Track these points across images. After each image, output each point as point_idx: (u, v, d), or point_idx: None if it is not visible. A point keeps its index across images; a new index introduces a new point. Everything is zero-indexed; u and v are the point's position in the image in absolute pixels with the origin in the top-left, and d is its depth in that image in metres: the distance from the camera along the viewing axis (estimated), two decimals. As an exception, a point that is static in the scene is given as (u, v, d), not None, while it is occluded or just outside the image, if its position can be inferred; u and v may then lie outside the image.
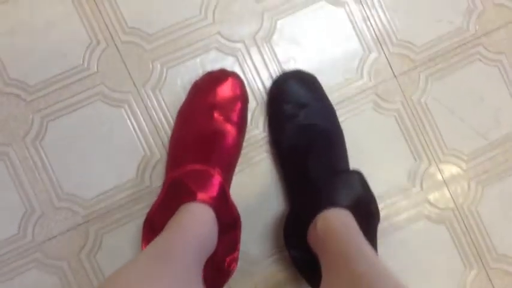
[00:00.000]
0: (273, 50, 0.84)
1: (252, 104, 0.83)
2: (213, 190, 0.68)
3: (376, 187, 0.76)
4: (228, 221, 0.69)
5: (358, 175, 0.72)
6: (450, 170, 0.87)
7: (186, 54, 0.82)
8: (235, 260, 0.70)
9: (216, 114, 0.75)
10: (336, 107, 0.82)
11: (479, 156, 0.88)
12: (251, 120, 0.83)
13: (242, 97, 0.78)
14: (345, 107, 0.85)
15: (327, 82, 0.83)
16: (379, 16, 0.87)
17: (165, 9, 0.82)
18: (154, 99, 0.81)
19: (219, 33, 0.83)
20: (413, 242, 0.84)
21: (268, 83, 0.83)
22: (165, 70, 0.81)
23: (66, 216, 0.79)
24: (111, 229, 0.80)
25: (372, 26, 0.86)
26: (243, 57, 0.83)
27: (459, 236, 0.87)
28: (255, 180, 0.83)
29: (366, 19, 0.86)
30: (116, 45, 0.81)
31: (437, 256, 0.85)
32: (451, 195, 0.87)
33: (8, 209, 0.79)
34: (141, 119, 0.81)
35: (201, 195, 0.67)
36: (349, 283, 0.53)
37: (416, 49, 0.87)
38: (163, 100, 0.81)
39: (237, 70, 0.83)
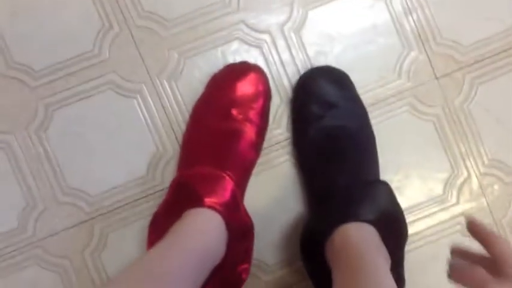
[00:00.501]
0: (302, 43, 0.80)
1: (275, 102, 0.79)
2: (223, 195, 0.65)
3: (409, 197, 0.77)
4: (240, 229, 0.67)
5: (385, 187, 0.68)
6: (491, 183, 0.82)
7: (206, 44, 0.79)
8: (247, 270, 0.68)
9: (234, 112, 0.72)
10: (368, 109, 0.78)
11: (524, 170, 0.84)
12: (273, 119, 0.79)
13: (265, 94, 0.75)
14: (379, 109, 0.81)
15: (359, 81, 0.79)
16: (422, 10, 0.81)
17: (185, -8, 0.79)
18: (169, 91, 0.78)
19: (243, 22, 0.79)
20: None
21: (294, 79, 0.80)
22: (182, 60, 0.78)
23: (70, 212, 0.78)
24: (118, 228, 0.78)
25: (413, 20, 0.81)
26: (269, 49, 0.79)
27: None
28: (275, 183, 0.80)
29: (407, 13, 0.81)
30: (129, 30, 0.78)
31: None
32: (489, 209, 0.82)
33: (8, 202, 0.77)
34: (155, 111, 0.78)
35: (208, 200, 0.64)
36: None
37: (462, 49, 0.82)
38: (179, 92, 0.78)
39: (261, 63, 0.79)
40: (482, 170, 0.82)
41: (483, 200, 0.82)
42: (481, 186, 0.82)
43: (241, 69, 0.75)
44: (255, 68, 0.75)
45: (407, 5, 0.81)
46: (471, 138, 0.81)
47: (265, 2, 0.79)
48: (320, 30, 0.80)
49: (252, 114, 0.72)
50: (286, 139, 0.79)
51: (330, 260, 0.65)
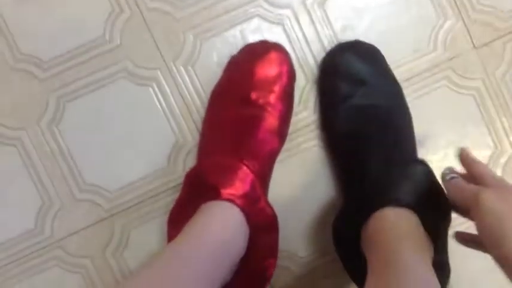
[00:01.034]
0: (327, 18, 0.77)
1: (300, 82, 0.77)
2: (242, 187, 0.62)
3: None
4: (262, 222, 0.64)
5: (424, 167, 0.65)
6: None
7: (223, 24, 0.77)
8: (273, 264, 0.65)
9: (253, 97, 0.69)
10: (402, 85, 0.75)
11: None
12: (299, 101, 0.77)
13: (287, 74, 0.72)
14: (414, 84, 0.78)
15: (391, 55, 0.77)
16: (458, -26, 0.79)
17: (200, -31, 0.77)
18: (186, 77, 0.76)
19: (262, -3, 0.78)
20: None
21: (320, 57, 0.77)
22: (198, 42, 0.76)
23: (89, 209, 0.76)
24: (140, 224, 0.76)
25: (448, -14, 0.79)
26: (291, 26, 0.77)
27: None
28: (303, 169, 0.77)
29: (441, -22, 0.79)
30: (141, 13, 0.76)
31: None
32: None
33: (23, 201, 0.76)
34: (172, 99, 0.76)
35: (225, 192, 0.62)
36: None
37: (502, 15, 0.79)
38: (196, 77, 0.76)
39: (284, 42, 0.77)
40: (529, 145, 0.79)
41: (530, 179, 0.78)
42: (526, 163, 0.78)
43: (260, 49, 0.72)
44: (276, 47, 0.73)
45: (441, -30, 0.78)
46: (515, 111, 0.79)
47: (286, -26, 0.77)
48: (346, 2, 0.78)
49: (274, 98, 0.69)
50: (314, 122, 0.77)
51: (365, 249, 0.64)
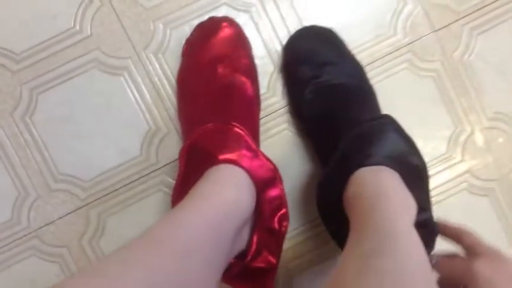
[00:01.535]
0: (292, 5, 0.77)
1: (268, 68, 0.77)
2: (237, 146, 0.61)
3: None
4: (265, 177, 0.63)
5: (388, 119, 0.63)
6: (495, 136, 0.80)
7: (192, 12, 0.76)
8: (286, 217, 0.64)
9: (220, 69, 0.69)
10: (365, 69, 0.75)
11: (529, 122, 0.82)
12: (268, 87, 0.77)
13: (242, 41, 0.73)
14: (376, 68, 0.78)
15: (354, 40, 0.77)
16: (413, -41, 0.78)
17: (166, -42, 0.76)
18: (157, 65, 0.76)
19: (229, -15, 0.77)
20: (454, 216, 0.75)
21: None
22: (168, 31, 0.76)
23: (64, 199, 0.76)
24: (115, 212, 0.76)
25: (405, -29, 0.78)
26: (258, 13, 0.76)
27: (505, 211, 0.81)
28: (276, 153, 0.77)
29: (398, -36, 0.78)
30: (111, 3, 0.75)
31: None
32: (495, 164, 0.81)
33: None
34: (143, 88, 0.76)
35: (222, 156, 0.60)
36: (356, 263, 0.47)
37: None
38: (167, 65, 0.76)
39: (251, 28, 0.76)
40: (486, 124, 0.79)
41: (488, 155, 0.80)
42: (485, 140, 0.80)
43: (211, 25, 0.72)
44: (225, 20, 0.73)
45: (398, -45, 0.78)
46: (473, 92, 0.79)
47: (250, -38, 0.76)
48: (310, -12, 0.77)
49: (239, 64, 0.70)
50: (283, 107, 0.77)
51: (347, 212, 0.61)
